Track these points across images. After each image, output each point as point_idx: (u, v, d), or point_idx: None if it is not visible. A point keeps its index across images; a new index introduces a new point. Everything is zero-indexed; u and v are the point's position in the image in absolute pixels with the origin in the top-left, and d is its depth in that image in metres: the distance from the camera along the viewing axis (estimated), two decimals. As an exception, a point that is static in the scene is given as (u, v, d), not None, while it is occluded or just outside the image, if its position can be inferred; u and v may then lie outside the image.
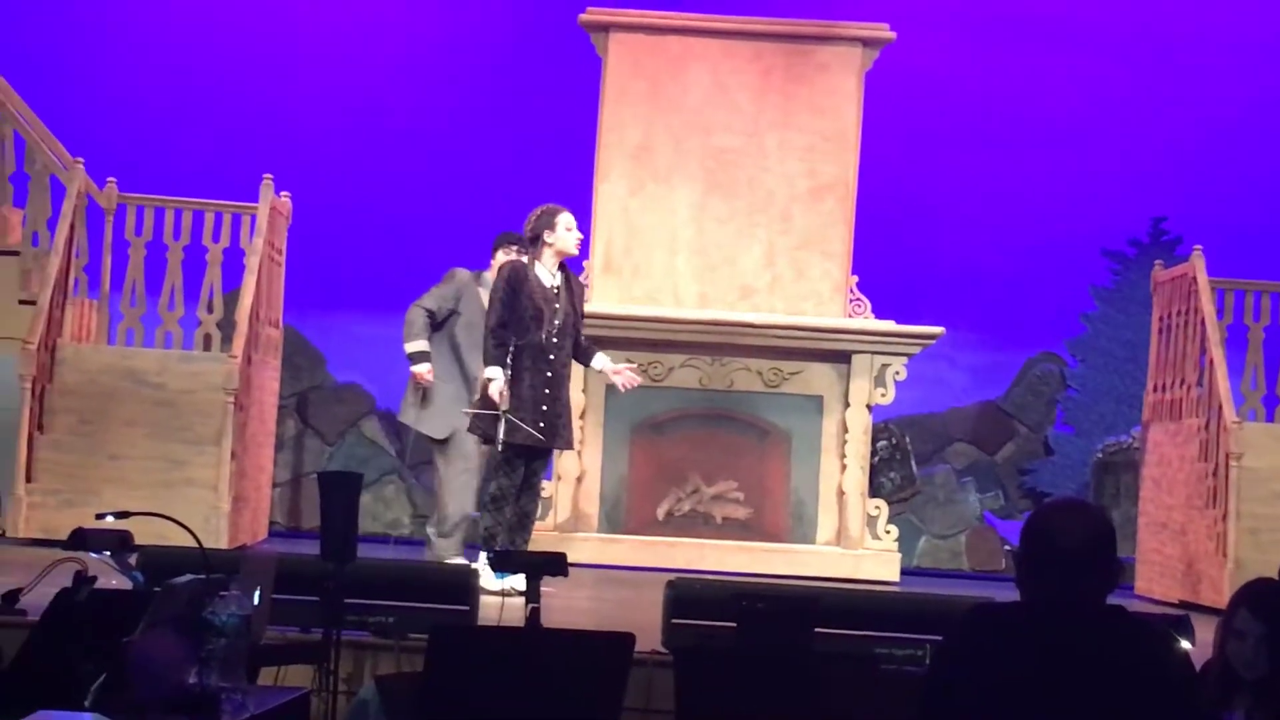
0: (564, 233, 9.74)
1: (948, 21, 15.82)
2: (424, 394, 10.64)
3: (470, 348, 10.52)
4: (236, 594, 4.89)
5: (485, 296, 10.38)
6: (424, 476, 14.97)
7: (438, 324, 10.66)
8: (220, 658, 4.76)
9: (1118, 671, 3.87)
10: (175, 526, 5.61)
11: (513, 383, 9.54)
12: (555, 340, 9.69)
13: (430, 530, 10.74)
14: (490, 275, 10.46)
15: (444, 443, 10.64)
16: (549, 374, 9.66)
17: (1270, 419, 12.25)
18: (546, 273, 9.74)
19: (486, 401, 9.56)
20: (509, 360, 9.54)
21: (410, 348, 10.60)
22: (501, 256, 10.53)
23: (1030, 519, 4.05)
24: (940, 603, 7.93)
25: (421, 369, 10.56)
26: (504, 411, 9.44)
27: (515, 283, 9.64)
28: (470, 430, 9.93)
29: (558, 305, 9.72)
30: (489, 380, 9.56)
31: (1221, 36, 16.08)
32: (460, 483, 10.60)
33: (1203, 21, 16.07)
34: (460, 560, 10.25)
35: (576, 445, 11.91)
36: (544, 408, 9.62)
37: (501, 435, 9.46)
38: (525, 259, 9.80)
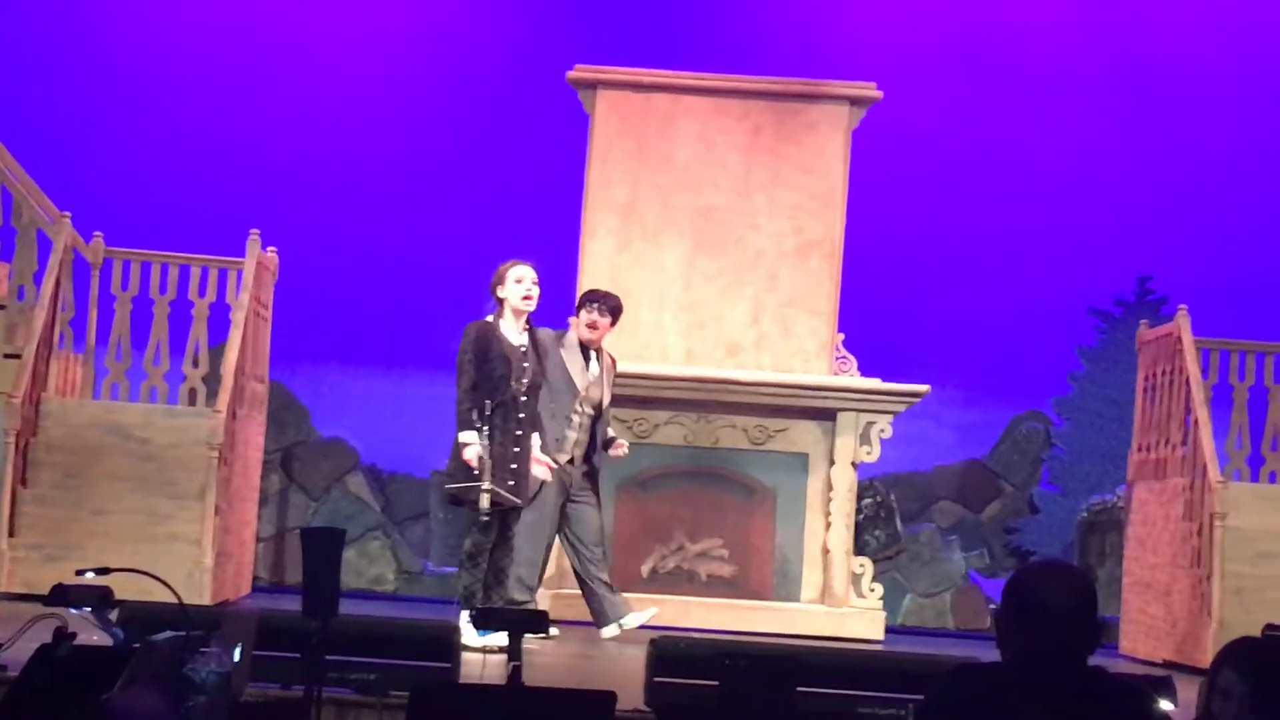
0: (513, 285, 9.80)
1: (934, 80, 15.88)
2: None
3: (551, 410, 10.49)
4: (217, 651, 4.88)
5: (567, 358, 10.46)
6: (409, 532, 14.95)
7: None
8: (200, 715, 4.75)
9: (1099, 733, 3.86)
10: (158, 582, 5.59)
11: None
12: (524, 398, 9.75)
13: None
14: (572, 335, 10.53)
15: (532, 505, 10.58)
16: (517, 432, 9.72)
17: (1255, 479, 12.25)
18: (513, 330, 9.79)
19: (463, 467, 9.57)
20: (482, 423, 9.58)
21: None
22: (584, 315, 10.59)
23: (1012, 579, 4.05)
24: (924, 662, 7.91)
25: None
26: (484, 488, 9.46)
27: (483, 343, 9.70)
28: (446, 493, 9.95)
29: (526, 364, 9.76)
30: (464, 445, 9.57)
31: (1210, 97, 16.15)
32: (536, 533, 10.56)
33: (1190, 82, 16.14)
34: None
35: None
36: (513, 465, 9.67)
37: (483, 505, 9.50)
38: (491, 318, 9.86)
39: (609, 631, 10.58)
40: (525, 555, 10.43)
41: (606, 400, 10.77)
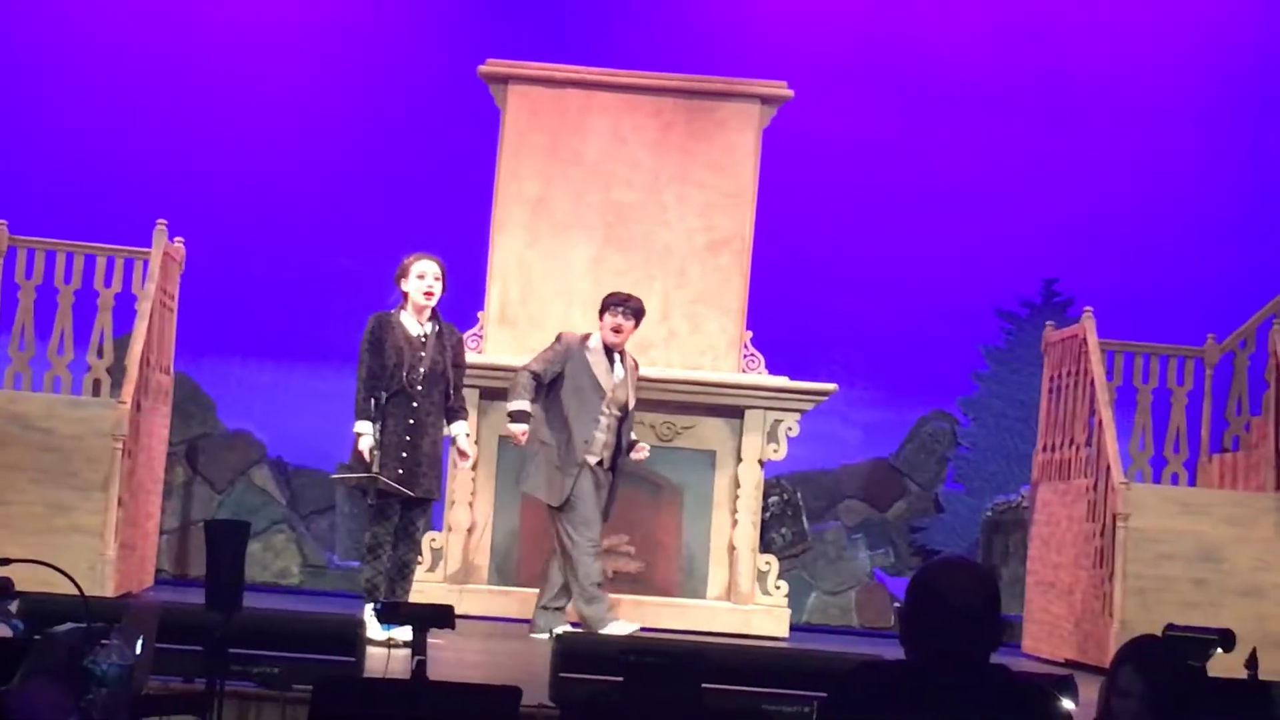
0: (415, 280, 9.87)
1: (845, 81, 15.93)
2: (539, 462, 10.59)
3: (578, 411, 10.50)
4: (118, 643, 4.83)
5: (592, 360, 10.50)
6: (315, 526, 14.88)
7: (546, 387, 10.60)
8: (101, 707, 4.71)
9: (1001, 731, 3.88)
10: (59, 574, 5.54)
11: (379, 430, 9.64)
12: (420, 388, 9.77)
13: (580, 603, 10.61)
14: (596, 338, 10.59)
15: (562, 508, 10.59)
16: (411, 421, 9.74)
17: (1157, 480, 12.36)
18: (413, 321, 9.82)
19: (357, 457, 9.65)
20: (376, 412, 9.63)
21: (512, 406, 10.56)
22: (608, 319, 10.60)
23: (916, 577, 4.07)
24: (828, 660, 7.94)
25: (518, 429, 10.53)
26: (373, 474, 9.52)
27: (378, 333, 9.80)
28: (343, 483, 9.98)
29: (423, 353, 9.78)
30: (359, 435, 9.67)
31: (1117, 103, 16.27)
32: (585, 546, 10.52)
33: (1097, 85, 16.26)
34: (622, 625, 10.31)
35: (468, 497, 11.93)
36: (404, 454, 9.69)
37: (371, 493, 9.58)
38: (393, 310, 9.89)
39: (539, 634, 10.55)
40: (585, 567, 10.48)
41: (632, 402, 10.81)
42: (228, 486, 14.75)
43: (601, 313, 10.77)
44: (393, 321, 9.83)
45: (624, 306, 10.67)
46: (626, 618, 11.00)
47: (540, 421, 10.64)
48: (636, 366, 10.99)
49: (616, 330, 10.70)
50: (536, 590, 11.17)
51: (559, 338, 10.82)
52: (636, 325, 10.82)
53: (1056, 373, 12.67)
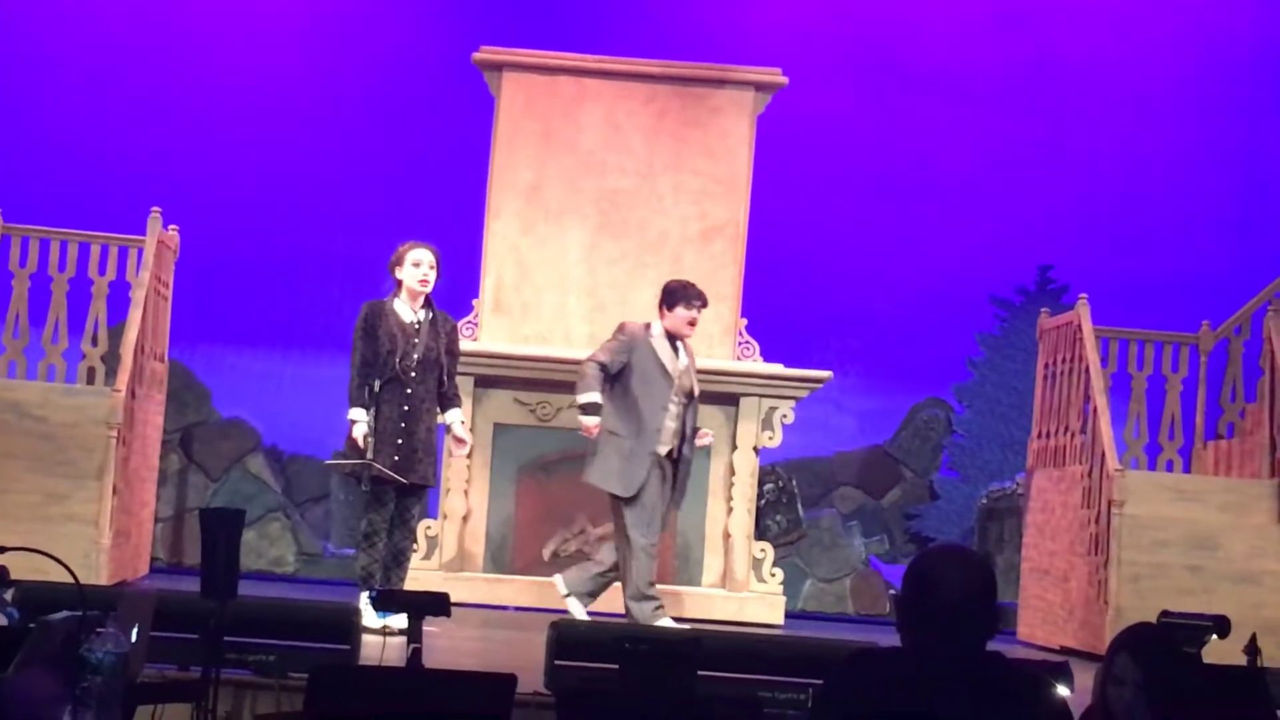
0: (410, 268, 9.86)
1: (840, 68, 15.93)
2: (608, 453, 10.47)
3: (648, 401, 10.44)
4: (113, 631, 4.83)
5: (658, 348, 10.42)
6: (309, 514, 14.88)
7: (612, 377, 10.50)
8: (95, 695, 4.70)
9: (996, 718, 3.88)
10: (54, 562, 5.53)
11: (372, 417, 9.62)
12: (414, 375, 9.76)
13: (629, 599, 10.53)
14: (658, 326, 10.50)
15: (630, 501, 10.49)
16: (405, 407, 9.74)
17: (1152, 467, 12.37)
18: (407, 309, 9.82)
19: (351, 444, 9.65)
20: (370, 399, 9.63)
21: (583, 399, 10.39)
22: (682, 311, 10.52)
23: (912, 565, 4.07)
24: (823, 647, 7.95)
25: (590, 421, 10.38)
26: (367, 461, 9.51)
27: (371, 320, 9.79)
28: (336, 470, 9.97)
29: (417, 340, 9.78)
30: (352, 423, 9.68)
31: (1110, 91, 16.27)
32: (645, 545, 10.50)
33: (1092, 74, 16.26)
34: (668, 622, 10.27)
35: (463, 484, 11.92)
36: (399, 441, 9.70)
37: (365, 480, 9.57)
38: (387, 297, 9.89)
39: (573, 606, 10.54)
40: (641, 567, 10.44)
41: (696, 389, 10.72)
42: (222, 474, 14.75)
43: (673, 304, 10.54)
44: (386, 309, 9.83)
45: (701, 301, 10.55)
46: (620, 606, 10.98)
47: (607, 412, 10.50)
48: (692, 354, 10.91)
49: (692, 323, 10.59)
50: (533, 578, 11.14)
51: (622, 328, 10.62)
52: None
53: (1051, 360, 12.67)
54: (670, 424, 10.48)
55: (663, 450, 10.45)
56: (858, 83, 16.12)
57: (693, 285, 10.65)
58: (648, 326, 10.58)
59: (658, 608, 10.47)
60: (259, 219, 15.45)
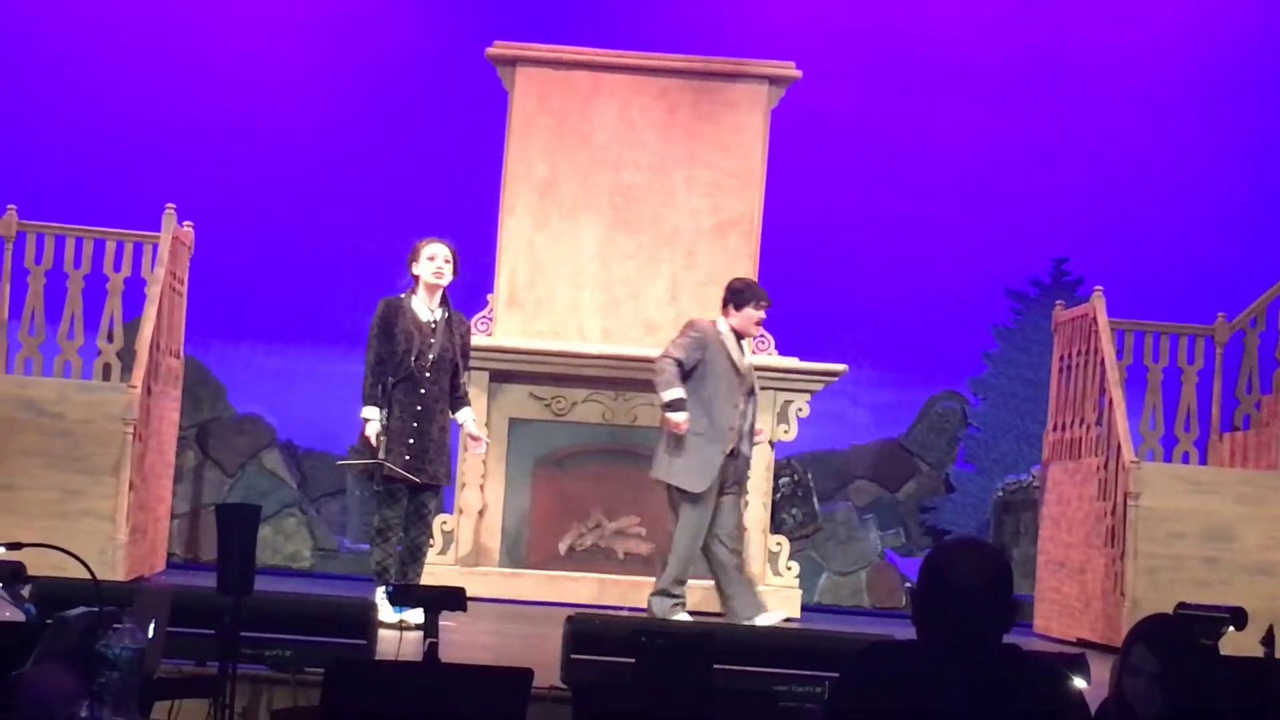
0: (425, 263, 9.83)
1: (853, 62, 15.91)
2: (678, 447, 10.43)
3: (721, 398, 10.44)
4: (130, 627, 4.84)
5: (729, 345, 10.44)
6: (325, 509, 14.89)
7: (686, 374, 10.46)
8: (113, 691, 4.71)
9: (1013, 711, 3.88)
10: (71, 558, 5.54)
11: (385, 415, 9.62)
12: (428, 374, 9.74)
13: (655, 591, 10.52)
14: (724, 324, 10.51)
15: (695, 500, 10.46)
16: (418, 407, 9.71)
17: (1168, 459, 12.35)
18: (424, 307, 9.80)
19: (363, 443, 9.65)
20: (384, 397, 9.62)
21: (668, 395, 10.34)
22: (751, 311, 10.54)
23: (928, 557, 4.06)
24: (839, 640, 7.94)
25: (679, 417, 10.34)
26: (378, 461, 9.51)
27: (388, 318, 9.75)
28: (349, 469, 9.96)
29: (433, 340, 9.76)
30: (365, 420, 9.67)
31: (1124, 81, 16.25)
32: (690, 547, 10.48)
33: (1105, 66, 16.24)
34: (685, 617, 10.27)
35: (478, 479, 11.93)
36: (411, 440, 9.67)
37: (377, 479, 9.57)
38: (404, 295, 9.87)
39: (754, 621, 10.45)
40: (678, 567, 10.44)
41: (756, 387, 10.73)
42: (238, 470, 14.76)
43: (741, 304, 10.52)
44: (403, 306, 9.80)
45: (767, 300, 10.57)
46: (639, 600, 11.01)
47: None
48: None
49: (759, 323, 10.63)
50: (549, 573, 11.13)
51: (692, 324, 10.60)
52: None
53: (1066, 352, 12.65)
54: (738, 422, 10.48)
55: (729, 447, 10.45)
56: (871, 76, 16.11)
57: (758, 285, 10.72)
58: (715, 324, 10.57)
59: (676, 604, 10.47)
60: (274, 215, 15.47)
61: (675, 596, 10.46)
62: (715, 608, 11.66)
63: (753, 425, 10.66)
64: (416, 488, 9.75)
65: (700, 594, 11.87)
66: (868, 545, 15.13)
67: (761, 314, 10.59)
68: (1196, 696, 4.84)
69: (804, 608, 12.24)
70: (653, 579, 11.90)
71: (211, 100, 15.58)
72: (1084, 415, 12.24)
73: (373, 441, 9.61)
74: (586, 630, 7.46)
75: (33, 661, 4.65)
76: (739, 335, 10.58)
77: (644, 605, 10.77)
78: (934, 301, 15.84)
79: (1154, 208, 16.15)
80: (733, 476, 10.56)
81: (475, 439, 10.20)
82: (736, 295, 10.57)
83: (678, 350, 10.46)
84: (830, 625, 10.83)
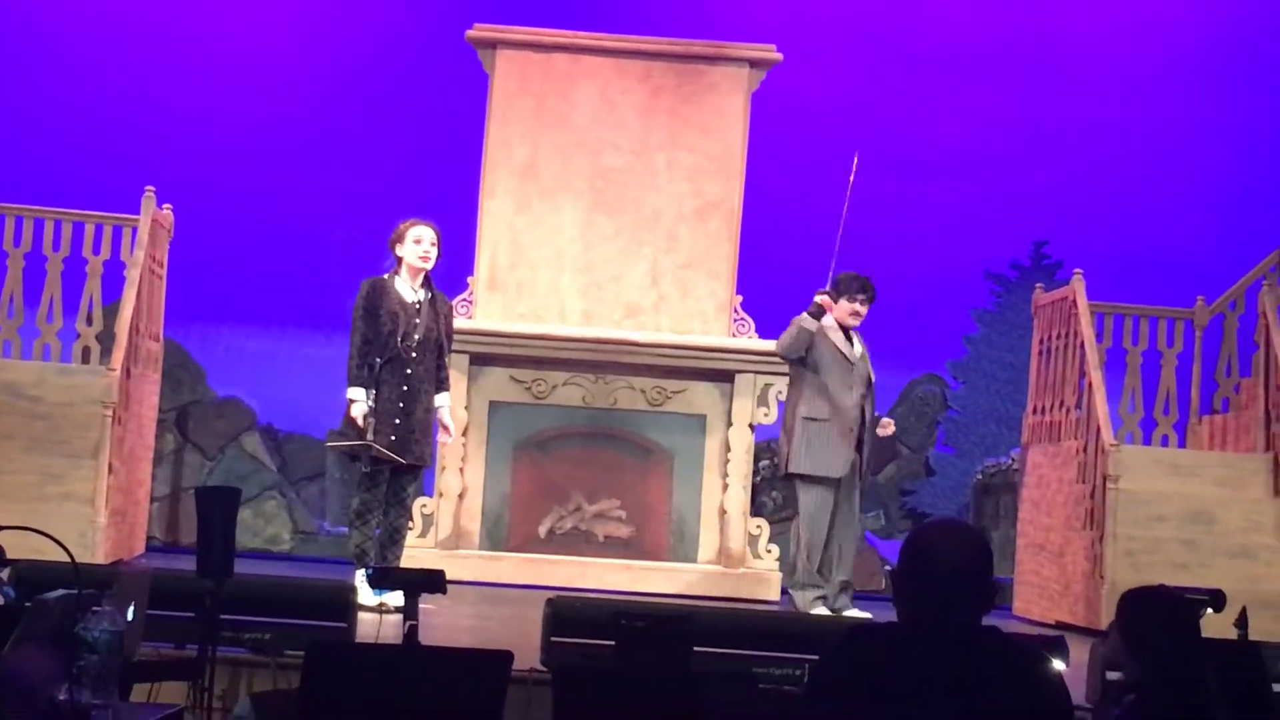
0: (411, 245, 9.80)
1: (834, 44, 15.91)
2: (806, 439, 10.45)
3: (837, 387, 10.45)
4: (110, 610, 4.83)
5: (834, 338, 10.50)
6: (305, 492, 14.88)
7: (802, 363, 10.52)
8: (92, 674, 4.70)
9: (993, 692, 3.89)
10: (50, 541, 5.53)
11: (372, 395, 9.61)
12: (414, 354, 9.71)
13: (793, 590, 10.55)
14: (829, 319, 10.53)
15: (814, 484, 10.48)
16: (404, 387, 9.69)
17: (1147, 442, 12.38)
18: (408, 288, 9.78)
19: (349, 424, 9.62)
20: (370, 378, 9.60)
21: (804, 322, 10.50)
22: (845, 304, 10.53)
23: (908, 539, 4.07)
24: (819, 623, 7.96)
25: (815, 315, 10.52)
26: (366, 441, 9.49)
27: (373, 298, 9.72)
28: (336, 450, 9.93)
29: (417, 320, 9.74)
30: (351, 401, 9.62)
31: (1103, 65, 16.26)
32: (812, 540, 10.47)
33: (1086, 49, 16.24)
34: (822, 610, 10.24)
35: (459, 462, 11.93)
36: (397, 421, 9.65)
37: (365, 460, 9.55)
38: (387, 275, 9.84)
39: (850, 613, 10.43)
40: (806, 540, 10.43)
41: (873, 377, 10.70)
42: (218, 453, 14.75)
43: (838, 296, 10.57)
44: (387, 287, 9.77)
45: (864, 292, 10.56)
46: (616, 583, 11.00)
47: (799, 399, 10.55)
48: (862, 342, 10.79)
49: (855, 314, 10.58)
50: (529, 556, 11.11)
51: (799, 319, 10.63)
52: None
53: (1046, 335, 12.67)
54: (855, 413, 10.49)
55: (851, 438, 10.45)
56: (852, 59, 16.10)
57: (858, 278, 10.65)
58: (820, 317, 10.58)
59: (818, 596, 10.45)
60: (254, 198, 15.44)
61: (816, 588, 10.46)
62: (705, 591, 11.68)
63: (874, 416, 10.68)
64: (397, 470, 9.74)
65: (701, 577, 11.89)
66: (848, 528, 15.12)
67: (856, 306, 10.55)
68: (1179, 676, 4.84)
69: (784, 590, 12.24)
70: (631, 561, 11.94)
71: (192, 83, 15.54)
72: (1064, 398, 12.26)
73: (360, 422, 9.57)
74: (566, 613, 7.46)
75: (11, 645, 4.64)
76: (842, 326, 10.58)
77: (623, 588, 10.79)
78: (914, 285, 15.84)
79: (1134, 191, 16.17)
80: (854, 468, 10.55)
81: (445, 429, 10.16)
82: (835, 287, 10.65)
83: (785, 338, 10.58)
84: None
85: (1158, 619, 4.89)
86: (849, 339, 10.63)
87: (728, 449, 12.12)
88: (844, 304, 10.58)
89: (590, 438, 12.25)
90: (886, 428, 10.78)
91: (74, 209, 12.11)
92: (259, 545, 14.23)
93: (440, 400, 9.98)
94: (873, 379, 10.74)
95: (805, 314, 10.54)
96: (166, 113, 15.42)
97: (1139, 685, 4.89)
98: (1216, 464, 11.83)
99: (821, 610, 10.29)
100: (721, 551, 12.10)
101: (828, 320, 10.58)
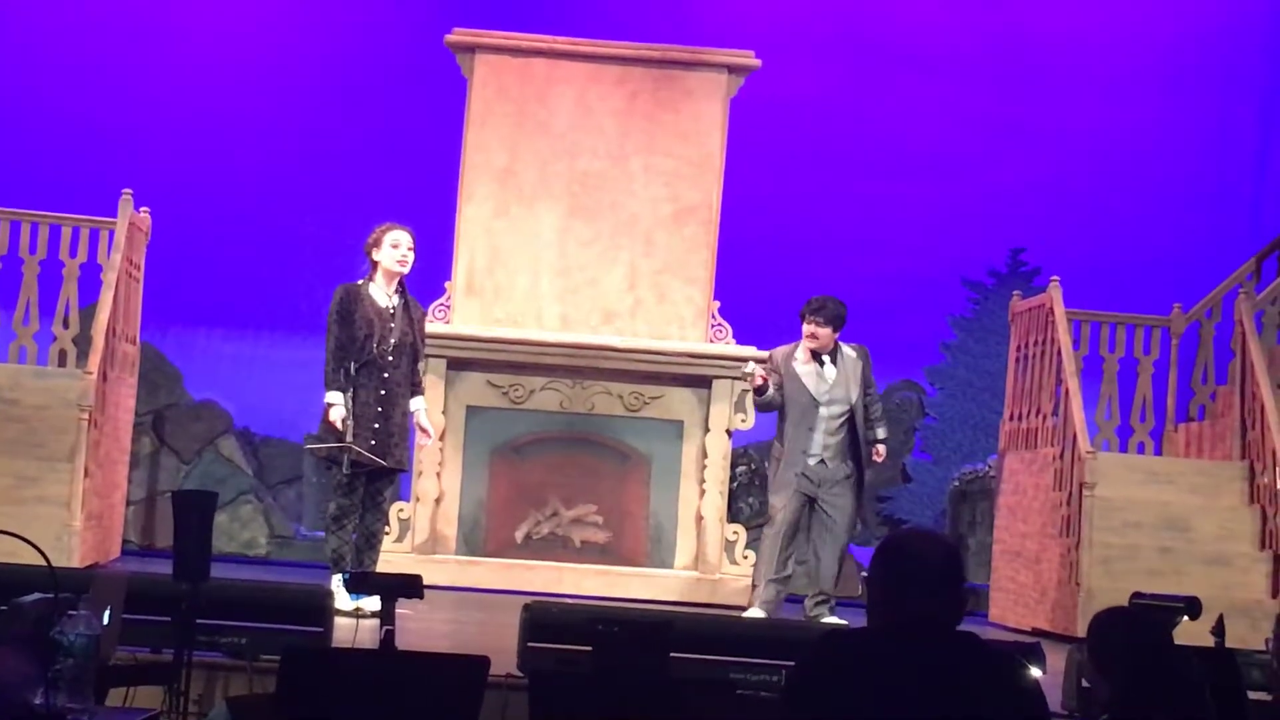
0: (388, 250, 9.80)
1: (812, 50, 15.93)
2: (774, 468, 10.56)
3: (795, 420, 10.43)
4: (85, 614, 4.82)
5: (800, 372, 10.43)
6: (281, 497, 14.85)
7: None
8: (68, 678, 4.70)
9: (968, 699, 3.89)
10: (26, 545, 5.52)
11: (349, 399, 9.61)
12: (390, 358, 9.73)
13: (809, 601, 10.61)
14: (802, 348, 10.49)
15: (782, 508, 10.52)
16: (382, 391, 9.70)
17: (1123, 449, 12.40)
18: (381, 293, 9.77)
19: (328, 428, 9.60)
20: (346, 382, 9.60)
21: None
22: (804, 328, 10.48)
23: (880, 546, 4.08)
24: (795, 628, 7.96)
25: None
26: (346, 445, 9.47)
27: (347, 304, 9.73)
28: (316, 454, 9.92)
29: (392, 324, 9.75)
30: (329, 405, 9.61)
31: (1080, 72, 16.30)
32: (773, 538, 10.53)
33: (1063, 56, 16.28)
34: (835, 619, 10.27)
35: (435, 467, 11.92)
36: (376, 425, 9.66)
37: (345, 463, 9.52)
38: (361, 281, 9.83)
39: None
40: (764, 553, 10.54)
41: (855, 396, 10.54)
42: (194, 457, 14.71)
43: (802, 320, 10.53)
44: (361, 293, 9.78)
45: (817, 315, 10.47)
46: (593, 588, 10.98)
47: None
48: (860, 356, 10.66)
49: (812, 337, 10.46)
50: (506, 561, 11.09)
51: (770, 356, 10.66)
52: (837, 329, 10.53)
53: (1023, 342, 12.69)
54: (818, 438, 10.42)
55: (811, 461, 10.41)
56: (830, 66, 16.12)
57: (816, 300, 10.56)
58: (793, 350, 10.55)
59: (768, 604, 10.51)
60: (231, 201, 15.42)
61: (755, 586, 10.60)
62: (682, 597, 11.69)
63: (870, 437, 10.65)
64: (373, 474, 9.74)
65: (678, 583, 11.89)
66: (824, 534, 15.11)
67: (808, 328, 10.46)
68: (1157, 688, 4.86)
69: (761, 596, 12.23)
70: (608, 566, 11.95)
71: (169, 86, 15.52)
72: (1040, 405, 12.28)
73: (338, 425, 9.56)
74: (543, 618, 7.46)
75: (-13, 648, 4.64)
76: (813, 353, 10.54)
77: (600, 593, 10.79)
78: (891, 291, 15.86)
79: (1111, 199, 16.20)
80: (828, 485, 10.48)
81: (424, 431, 10.16)
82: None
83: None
84: (786, 614, 10.85)
85: (1128, 641, 4.91)
86: (822, 365, 10.55)
87: (705, 454, 12.12)
88: (803, 328, 10.54)
89: (567, 443, 12.25)
90: (878, 455, 10.76)
91: (51, 211, 12.09)
92: (235, 549, 14.19)
93: (416, 404, 9.99)
94: (855, 398, 10.53)
95: (751, 394, 10.53)
96: (144, 116, 15.40)
97: (1110, 705, 4.91)
98: (1192, 471, 11.86)
99: (760, 612, 10.33)
100: (698, 557, 12.11)
101: (798, 354, 10.53)
